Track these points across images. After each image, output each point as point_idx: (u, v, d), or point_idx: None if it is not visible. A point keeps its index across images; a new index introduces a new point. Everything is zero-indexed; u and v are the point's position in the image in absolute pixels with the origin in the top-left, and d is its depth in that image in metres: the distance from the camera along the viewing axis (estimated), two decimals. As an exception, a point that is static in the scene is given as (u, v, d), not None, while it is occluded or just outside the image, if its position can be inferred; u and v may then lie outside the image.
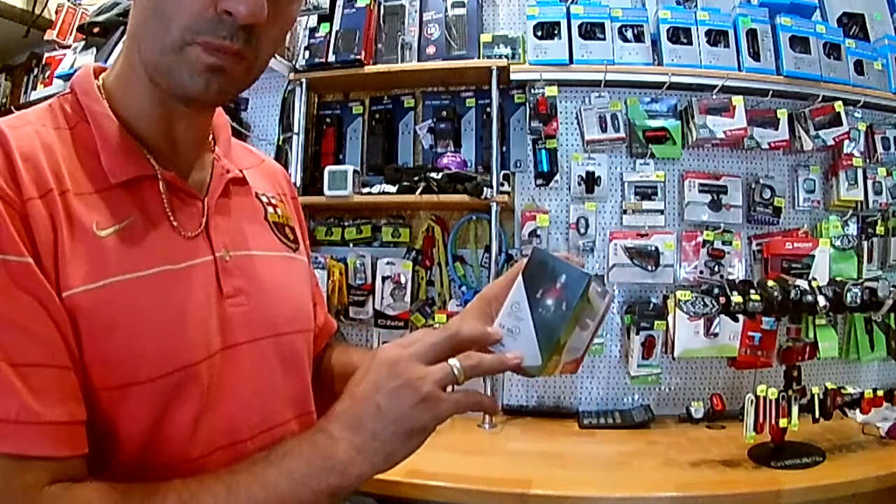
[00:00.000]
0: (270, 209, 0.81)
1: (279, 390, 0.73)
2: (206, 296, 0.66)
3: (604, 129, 1.99)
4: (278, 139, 2.16)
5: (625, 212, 2.00)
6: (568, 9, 2.00)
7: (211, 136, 0.77)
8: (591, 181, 1.99)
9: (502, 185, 1.97)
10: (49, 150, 0.61)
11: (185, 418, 0.63)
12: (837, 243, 1.92)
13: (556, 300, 0.64)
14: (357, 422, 0.60)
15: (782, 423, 1.44)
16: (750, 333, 1.82)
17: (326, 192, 1.99)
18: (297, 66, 2.12)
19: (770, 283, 1.52)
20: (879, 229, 2.00)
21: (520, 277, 0.67)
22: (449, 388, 0.61)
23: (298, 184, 2.08)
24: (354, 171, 2.01)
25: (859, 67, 2.03)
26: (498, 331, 0.66)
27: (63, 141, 0.63)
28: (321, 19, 2.14)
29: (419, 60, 2.10)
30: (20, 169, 0.58)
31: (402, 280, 2.06)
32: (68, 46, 2.40)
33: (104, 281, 0.59)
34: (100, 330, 0.58)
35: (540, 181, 2.03)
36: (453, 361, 0.61)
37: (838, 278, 1.61)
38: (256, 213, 0.79)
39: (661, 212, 1.99)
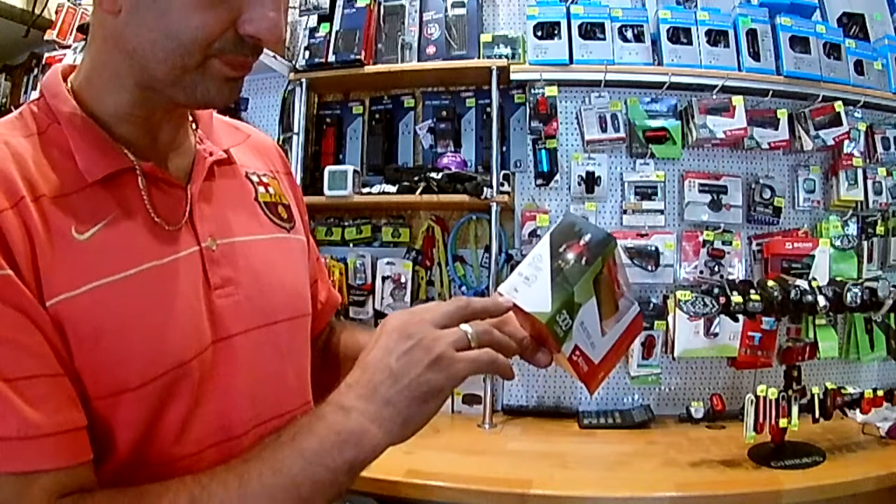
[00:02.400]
0: (262, 189, 0.78)
1: (277, 382, 0.71)
2: (193, 289, 0.64)
3: (604, 129, 1.99)
4: (278, 139, 2.15)
5: (625, 212, 2.00)
6: (568, 9, 2.00)
7: (191, 118, 0.74)
8: (591, 181, 1.99)
9: (502, 185, 1.96)
10: (20, 158, 0.59)
11: (175, 417, 0.61)
12: (837, 243, 1.92)
13: (577, 255, 0.66)
14: (369, 389, 0.57)
15: (782, 423, 1.44)
16: (750, 333, 1.82)
17: (326, 192, 1.99)
18: (297, 66, 2.12)
19: (770, 283, 1.52)
20: (879, 229, 2.00)
21: (548, 234, 0.68)
22: None
23: (298, 184, 2.07)
24: (354, 171, 2.01)
25: (859, 67, 2.03)
26: (508, 299, 0.65)
27: (34, 147, 0.61)
28: (321, 19, 2.14)
29: (419, 60, 2.10)
30: None
31: (402, 280, 2.06)
32: (68, 46, 2.39)
33: (87, 286, 0.57)
34: (87, 337, 0.57)
35: (540, 181, 2.03)
36: (465, 326, 0.59)
37: (838, 278, 1.61)
38: (245, 195, 0.76)
39: (661, 212, 1.99)
